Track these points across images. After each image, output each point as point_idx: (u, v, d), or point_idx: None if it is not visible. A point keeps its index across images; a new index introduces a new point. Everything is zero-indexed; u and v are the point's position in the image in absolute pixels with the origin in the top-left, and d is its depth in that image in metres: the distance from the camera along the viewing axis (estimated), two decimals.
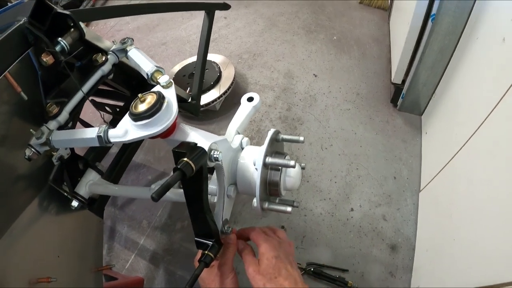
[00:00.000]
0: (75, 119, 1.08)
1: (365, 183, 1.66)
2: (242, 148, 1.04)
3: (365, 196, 1.62)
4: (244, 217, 1.61)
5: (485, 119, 1.09)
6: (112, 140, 0.86)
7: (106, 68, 1.07)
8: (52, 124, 0.96)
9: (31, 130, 0.93)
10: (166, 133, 0.90)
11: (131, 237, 1.64)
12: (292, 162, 0.83)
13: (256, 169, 0.88)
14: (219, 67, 2.10)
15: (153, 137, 0.83)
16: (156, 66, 0.97)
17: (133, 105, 0.82)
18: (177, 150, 0.78)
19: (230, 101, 2.09)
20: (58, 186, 1.10)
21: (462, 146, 1.21)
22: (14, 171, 0.95)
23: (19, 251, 0.99)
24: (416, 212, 1.55)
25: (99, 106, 1.66)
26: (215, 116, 2.05)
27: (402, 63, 1.80)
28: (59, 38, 0.90)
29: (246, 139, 1.05)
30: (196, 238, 0.94)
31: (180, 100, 1.68)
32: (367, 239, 1.50)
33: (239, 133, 1.10)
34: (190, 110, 1.73)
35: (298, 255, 1.51)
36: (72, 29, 0.93)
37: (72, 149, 1.11)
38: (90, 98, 1.38)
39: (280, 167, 0.89)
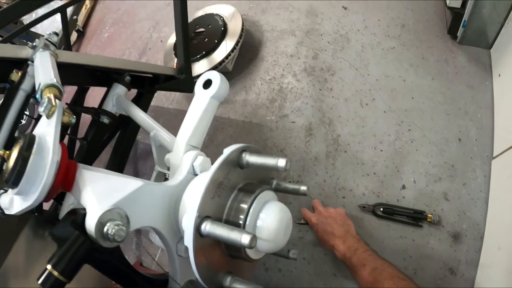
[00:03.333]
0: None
1: (421, 150, 1.29)
2: (196, 175, 0.74)
3: (421, 167, 1.26)
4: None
5: None
6: (5, 211, 0.59)
7: (27, 85, 0.83)
8: None
9: None
10: (65, 186, 0.61)
11: None
12: (245, 239, 0.52)
13: (187, 246, 0.59)
14: (223, 19, 1.69)
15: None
16: (48, 82, 0.68)
17: (5, 169, 0.56)
18: (52, 237, 0.60)
19: (245, 57, 1.72)
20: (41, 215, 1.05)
21: None
22: None
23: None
24: (487, 187, 1.17)
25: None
26: (229, 78, 1.67)
27: None
28: None
29: (200, 160, 0.73)
30: None
31: (167, 79, 1.36)
32: (423, 226, 1.17)
33: (194, 147, 0.79)
34: (181, 88, 1.42)
35: None
36: None
37: None
38: None
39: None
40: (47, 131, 0.59)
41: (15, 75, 0.86)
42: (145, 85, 1.46)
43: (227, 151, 0.65)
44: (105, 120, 1.29)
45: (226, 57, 1.62)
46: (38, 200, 0.56)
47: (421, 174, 1.24)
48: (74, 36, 2.43)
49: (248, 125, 1.56)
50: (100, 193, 0.57)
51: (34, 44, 0.88)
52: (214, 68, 1.62)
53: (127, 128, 1.43)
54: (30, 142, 0.56)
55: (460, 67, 1.40)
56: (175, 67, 1.46)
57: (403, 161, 1.28)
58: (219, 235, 0.55)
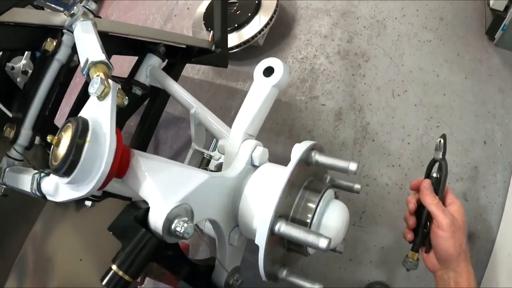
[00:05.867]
0: (45, 131, 0.82)
1: (447, 147, 1.33)
2: (255, 166, 0.72)
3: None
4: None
5: None
6: (47, 197, 0.59)
7: (63, 55, 0.78)
8: (14, 152, 0.73)
9: None
10: (118, 174, 0.58)
11: None
12: (323, 242, 0.53)
13: (258, 244, 0.58)
14: None
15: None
16: (97, 59, 0.62)
17: (52, 153, 0.52)
18: (112, 233, 0.52)
19: (277, 32, 1.70)
20: None
21: None
22: None
23: (40, 261, 0.91)
24: (505, 193, 1.23)
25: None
26: (259, 53, 1.69)
27: None
28: None
29: (259, 151, 0.71)
30: None
31: (201, 52, 1.33)
32: None
33: (250, 136, 0.77)
34: (215, 62, 1.40)
35: (354, 234, 1.29)
36: None
37: None
38: None
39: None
40: (100, 114, 0.54)
41: (50, 44, 0.80)
42: (177, 56, 1.44)
43: (299, 150, 0.64)
44: (138, 91, 1.25)
45: (259, 32, 1.60)
46: (93, 191, 0.52)
47: None
48: None
49: (276, 103, 1.55)
50: (165, 187, 0.54)
51: (72, 12, 0.83)
52: (246, 42, 1.61)
53: (155, 100, 1.40)
54: (84, 127, 0.51)
55: (494, 69, 1.42)
56: (210, 39, 1.44)
57: (429, 157, 1.30)
58: (294, 237, 0.56)
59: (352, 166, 0.63)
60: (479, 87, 1.40)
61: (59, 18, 0.83)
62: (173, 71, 1.42)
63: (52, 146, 0.53)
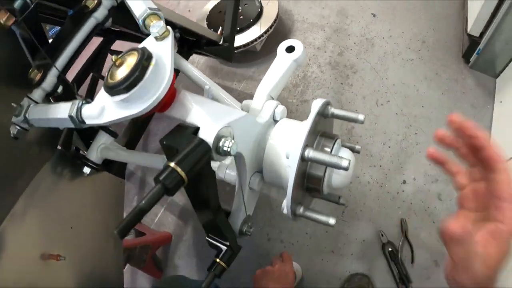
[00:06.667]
0: (68, 83, 0.88)
1: (423, 152, 1.45)
2: (275, 121, 0.81)
3: (421, 168, 1.42)
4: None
5: None
6: (87, 121, 0.64)
7: (100, 14, 0.83)
8: (37, 94, 0.77)
9: (12, 103, 0.76)
10: (161, 107, 0.65)
11: None
12: (345, 162, 0.58)
13: (289, 166, 0.65)
14: (260, 1, 1.80)
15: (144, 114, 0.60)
16: (151, 9, 0.71)
17: (109, 72, 0.58)
18: (165, 142, 0.56)
19: (273, 41, 1.83)
20: (68, 151, 0.99)
21: None
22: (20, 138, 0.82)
23: (30, 222, 0.90)
24: None
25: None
26: (255, 58, 1.81)
27: (484, 12, 1.47)
28: None
29: (281, 108, 0.80)
30: (207, 238, 0.79)
31: (209, 42, 1.43)
32: (416, 219, 1.34)
33: (272, 98, 0.86)
34: (221, 55, 1.49)
35: (336, 228, 1.37)
36: None
37: None
38: None
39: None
40: (160, 50, 0.61)
41: (91, 2, 0.83)
42: (187, 44, 1.51)
43: (318, 103, 0.71)
44: None
45: (258, 38, 1.72)
46: (144, 111, 0.57)
47: (421, 174, 1.41)
48: None
49: None
50: (212, 114, 0.61)
51: None
52: (246, 45, 1.72)
53: None
54: (149, 54, 0.57)
55: (468, 88, 1.58)
56: (219, 34, 1.53)
57: (407, 160, 1.45)
58: (321, 159, 0.61)
59: (361, 117, 0.71)
60: (454, 102, 1.54)
61: None
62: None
63: (112, 66, 0.58)
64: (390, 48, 1.73)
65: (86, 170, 1.02)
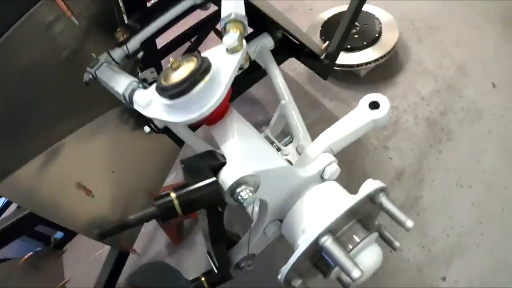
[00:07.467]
0: (150, 51, 0.90)
1: (481, 257, 1.34)
2: (322, 178, 0.75)
3: (469, 272, 1.31)
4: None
5: None
6: (135, 105, 0.64)
7: None
8: (117, 53, 0.81)
9: (92, 54, 0.80)
10: (208, 121, 0.63)
11: None
12: (355, 273, 0.54)
13: (299, 244, 0.61)
14: (380, 26, 1.68)
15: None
16: (236, 15, 0.64)
17: (164, 72, 0.57)
18: (183, 166, 0.56)
19: (380, 72, 1.72)
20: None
21: None
22: None
23: (85, 149, 0.99)
24: None
25: None
26: (356, 81, 1.72)
27: None
28: None
29: (334, 168, 0.74)
30: (207, 253, 0.80)
31: (309, 54, 1.36)
32: None
33: (332, 151, 0.79)
34: (317, 70, 1.41)
35: None
36: None
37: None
38: None
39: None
40: (223, 65, 0.58)
41: None
42: (287, 47, 1.46)
43: (370, 187, 0.66)
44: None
45: (366, 64, 1.63)
46: (183, 123, 0.57)
47: (465, 278, 1.29)
48: None
49: None
50: (247, 152, 0.59)
51: None
52: (349, 66, 1.64)
53: (248, 76, 1.41)
54: (206, 68, 0.55)
55: None
56: (323, 48, 1.46)
57: (459, 257, 1.33)
58: (334, 255, 0.57)
59: (409, 224, 0.65)
60: None
61: None
62: (276, 58, 1.46)
63: (168, 67, 0.58)
64: (498, 129, 1.56)
65: (146, 129, 1.07)
